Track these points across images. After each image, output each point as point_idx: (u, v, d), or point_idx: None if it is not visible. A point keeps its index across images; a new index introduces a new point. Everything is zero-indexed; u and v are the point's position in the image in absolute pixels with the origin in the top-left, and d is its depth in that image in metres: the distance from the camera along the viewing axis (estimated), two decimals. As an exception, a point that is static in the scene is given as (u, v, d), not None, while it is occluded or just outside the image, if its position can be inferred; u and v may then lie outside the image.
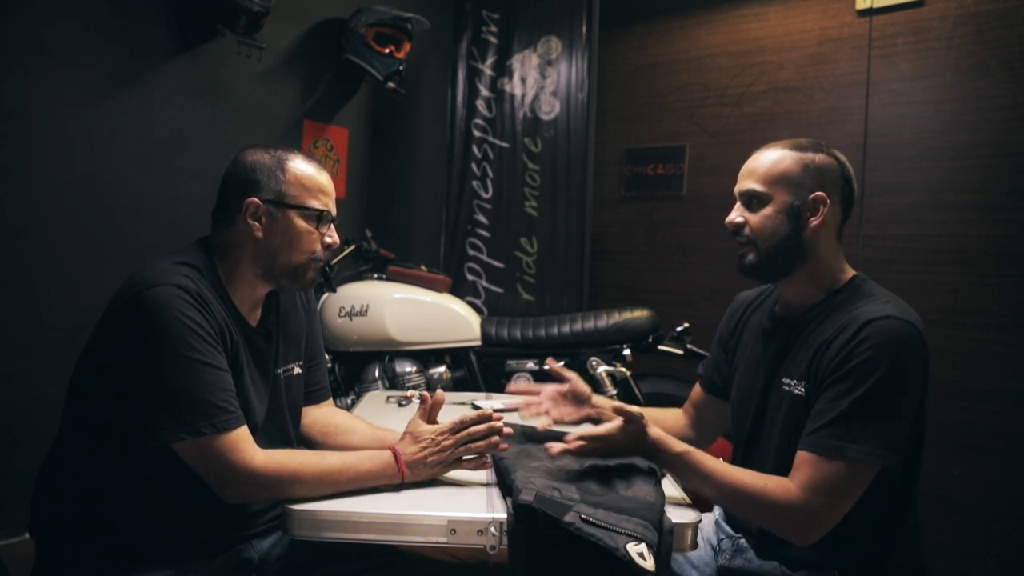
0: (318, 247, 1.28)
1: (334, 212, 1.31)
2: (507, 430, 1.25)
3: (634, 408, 1.30)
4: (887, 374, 1.10)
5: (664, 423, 1.52)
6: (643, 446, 1.19)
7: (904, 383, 1.11)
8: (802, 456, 1.14)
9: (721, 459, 1.22)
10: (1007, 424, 2.49)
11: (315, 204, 1.27)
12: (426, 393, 1.28)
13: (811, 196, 1.24)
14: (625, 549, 0.97)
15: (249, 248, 1.25)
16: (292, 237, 1.25)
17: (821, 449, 1.11)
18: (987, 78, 2.58)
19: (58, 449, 1.22)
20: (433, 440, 1.20)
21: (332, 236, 1.31)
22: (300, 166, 1.27)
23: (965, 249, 2.60)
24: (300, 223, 1.26)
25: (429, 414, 1.28)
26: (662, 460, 1.20)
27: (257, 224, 1.24)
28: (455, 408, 1.84)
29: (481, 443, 1.22)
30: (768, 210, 1.26)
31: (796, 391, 1.23)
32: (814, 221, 1.25)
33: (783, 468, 1.23)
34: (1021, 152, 2.51)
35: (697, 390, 1.56)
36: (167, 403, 1.08)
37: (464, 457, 1.22)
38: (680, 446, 1.19)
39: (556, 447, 1.18)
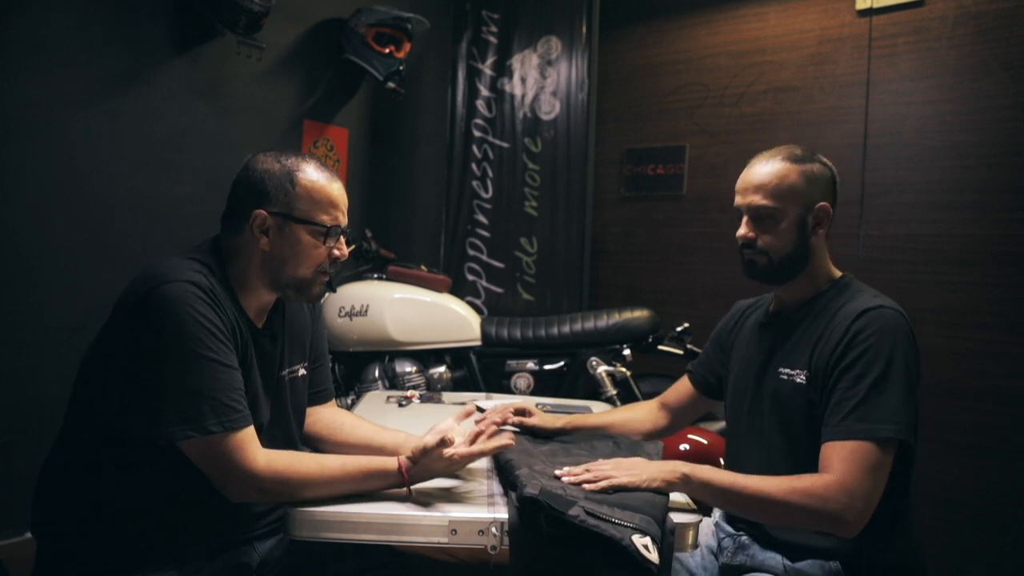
0: (326, 260, 1.26)
1: (344, 224, 1.28)
2: (510, 442, 1.25)
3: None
4: (891, 356, 1.16)
5: (639, 421, 1.57)
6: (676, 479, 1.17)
7: (905, 364, 1.17)
8: (832, 447, 1.15)
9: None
10: (1006, 424, 2.49)
11: (324, 219, 1.24)
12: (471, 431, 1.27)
13: (817, 207, 1.31)
14: (631, 539, 0.97)
15: (256, 258, 1.24)
16: (299, 252, 1.23)
17: (851, 434, 1.14)
18: (987, 78, 2.58)
19: (59, 449, 1.21)
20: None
21: (341, 249, 1.28)
22: (311, 178, 1.23)
23: (965, 249, 2.60)
24: (308, 238, 1.23)
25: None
26: (706, 494, 1.18)
27: (265, 237, 1.22)
28: (455, 408, 1.84)
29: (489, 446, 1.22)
30: (783, 225, 1.30)
31: (798, 379, 1.26)
32: (820, 231, 1.32)
33: (780, 454, 1.27)
34: (1021, 152, 2.51)
35: (685, 386, 1.58)
36: (177, 400, 1.08)
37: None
38: (727, 480, 1.17)
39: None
